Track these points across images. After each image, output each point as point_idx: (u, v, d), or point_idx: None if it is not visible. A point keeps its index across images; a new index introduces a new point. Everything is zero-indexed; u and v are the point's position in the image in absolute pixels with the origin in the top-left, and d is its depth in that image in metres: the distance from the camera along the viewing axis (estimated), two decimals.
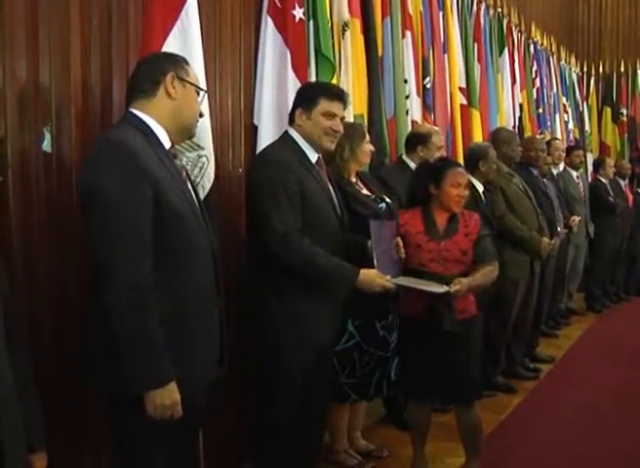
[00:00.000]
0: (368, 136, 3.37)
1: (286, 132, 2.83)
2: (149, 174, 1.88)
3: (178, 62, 2.09)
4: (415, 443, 3.27)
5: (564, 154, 6.46)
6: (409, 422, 3.32)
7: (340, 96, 2.79)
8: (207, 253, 2.08)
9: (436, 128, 4.21)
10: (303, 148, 2.75)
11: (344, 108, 2.83)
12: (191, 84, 2.08)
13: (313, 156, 2.77)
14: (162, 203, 1.90)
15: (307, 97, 2.77)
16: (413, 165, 3.92)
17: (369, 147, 3.32)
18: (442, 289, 2.84)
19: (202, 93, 2.16)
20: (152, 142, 1.99)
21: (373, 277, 2.69)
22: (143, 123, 2.01)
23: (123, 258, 1.83)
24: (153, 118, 2.02)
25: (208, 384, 2.13)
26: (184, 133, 2.13)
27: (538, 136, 6.12)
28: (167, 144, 2.05)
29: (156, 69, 2.04)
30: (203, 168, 2.77)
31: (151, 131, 2.01)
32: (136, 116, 2.02)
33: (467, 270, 3.04)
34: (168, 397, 1.91)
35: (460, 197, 3.10)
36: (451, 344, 2.98)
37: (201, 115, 2.16)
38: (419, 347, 3.04)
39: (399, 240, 2.99)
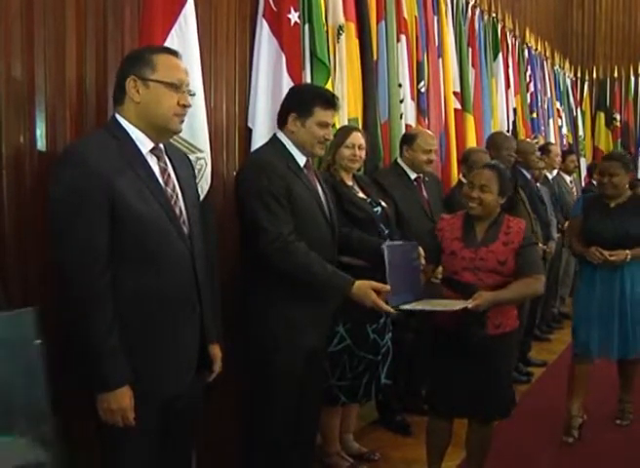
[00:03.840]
0: (352, 141, 3.29)
1: (275, 135, 2.82)
2: (104, 181, 1.91)
3: (141, 61, 2.04)
4: (430, 460, 3.10)
5: (560, 159, 6.50)
6: (428, 438, 3.09)
7: (334, 104, 2.77)
8: (182, 257, 2.07)
9: (428, 131, 4.20)
10: (292, 152, 2.74)
11: (336, 114, 2.83)
12: (156, 81, 2.03)
13: (302, 159, 2.75)
14: (120, 208, 1.93)
15: (303, 103, 2.73)
16: (406, 167, 3.93)
17: (347, 152, 3.25)
18: (459, 306, 2.69)
19: (181, 84, 2.07)
20: (125, 147, 2.01)
21: (365, 290, 2.59)
22: (121, 128, 2.04)
23: (69, 264, 1.91)
24: (129, 122, 2.05)
25: (181, 390, 2.11)
26: (162, 131, 2.09)
27: (528, 140, 6.14)
28: (147, 147, 2.06)
29: (122, 74, 2.06)
30: (201, 170, 2.78)
31: (127, 135, 2.04)
32: (115, 121, 2.07)
33: (505, 281, 2.84)
34: (115, 402, 1.93)
35: (471, 199, 2.88)
36: (481, 359, 2.82)
37: (184, 106, 2.08)
38: (447, 360, 2.90)
39: (423, 262, 2.86)
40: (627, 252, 3.69)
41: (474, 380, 2.84)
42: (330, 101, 2.75)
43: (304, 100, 2.75)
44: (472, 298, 2.69)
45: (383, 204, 3.35)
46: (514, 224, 2.92)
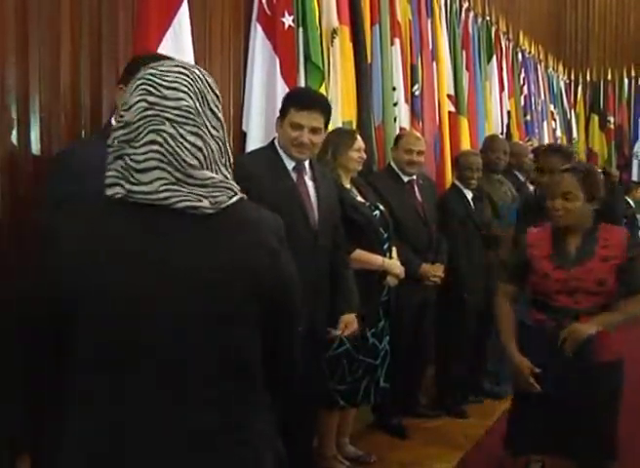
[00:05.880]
0: (358, 144, 3.30)
1: (274, 138, 2.83)
2: (93, 181, 1.92)
3: (130, 68, 2.04)
4: None
5: None
6: None
7: (310, 105, 2.66)
8: None
9: (416, 133, 4.18)
10: (281, 154, 2.72)
11: (325, 118, 2.71)
12: None
13: (290, 163, 2.73)
14: None
15: (282, 105, 2.75)
16: (397, 170, 3.93)
17: (356, 155, 3.26)
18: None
19: None
20: None
21: None
22: None
23: None
24: None
25: None
26: None
27: (521, 142, 6.15)
28: None
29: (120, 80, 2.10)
30: None
31: None
32: (111, 125, 2.07)
33: (607, 303, 2.50)
34: None
35: (555, 210, 2.49)
36: (582, 389, 2.47)
37: None
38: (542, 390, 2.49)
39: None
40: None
41: (572, 413, 2.50)
42: (304, 103, 2.67)
43: (283, 102, 2.76)
44: (564, 335, 2.43)
45: (382, 207, 3.36)
46: (612, 235, 2.53)
